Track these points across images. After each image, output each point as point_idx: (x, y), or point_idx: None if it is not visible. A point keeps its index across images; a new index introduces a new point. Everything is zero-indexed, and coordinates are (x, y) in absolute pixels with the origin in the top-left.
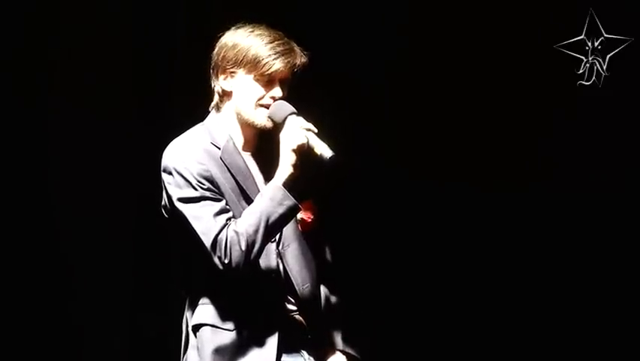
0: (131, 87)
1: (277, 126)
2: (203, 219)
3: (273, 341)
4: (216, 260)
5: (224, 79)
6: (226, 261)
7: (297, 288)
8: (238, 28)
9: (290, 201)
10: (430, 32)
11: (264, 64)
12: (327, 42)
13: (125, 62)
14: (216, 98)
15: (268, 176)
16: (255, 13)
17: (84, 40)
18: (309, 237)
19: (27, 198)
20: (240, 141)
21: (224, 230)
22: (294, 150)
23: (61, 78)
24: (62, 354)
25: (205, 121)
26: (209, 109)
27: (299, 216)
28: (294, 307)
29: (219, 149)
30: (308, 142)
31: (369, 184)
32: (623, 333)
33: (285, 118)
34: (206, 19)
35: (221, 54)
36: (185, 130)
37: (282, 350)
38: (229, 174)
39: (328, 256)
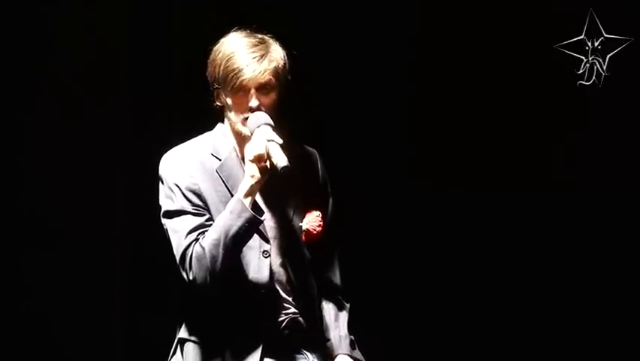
0: (127, 88)
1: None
2: (179, 234)
3: (256, 354)
4: (184, 276)
5: (215, 95)
6: (191, 277)
7: (293, 298)
8: (223, 38)
9: (247, 213)
10: (430, 32)
11: (231, 78)
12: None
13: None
14: (218, 110)
15: (277, 185)
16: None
17: (79, 40)
18: (315, 247)
19: (23, 198)
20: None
21: (192, 245)
22: (251, 161)
23: (55, 80)
24: (58, 356)
25: (213, 131)
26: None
27: (304, 226)
28: (294, 313)
29: (220, 160)
30: (268, 152)
31: (371, 188)
32: (625, 336)
33: (255, 129)
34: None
35: (207, 71)
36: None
37: (267, 357)
38: (224, 188)
39: (332, 263)
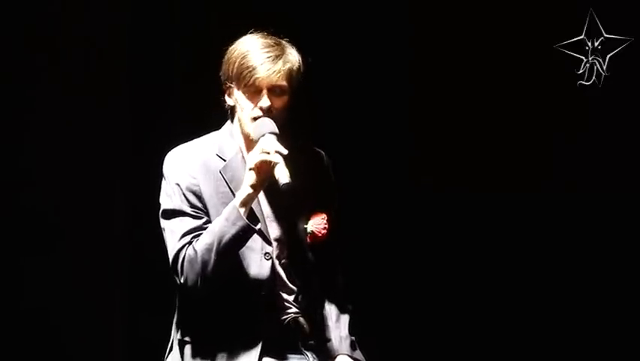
0: (127, 88)
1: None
2: (174, 235)
3: (255, 354)
4: (175, 277)
5: (227, 94)
6: (182, 279)
7: (294, 298)
8: (240, 39)
9: (242, 222)
10: (430, 32)
11: (244, 76)
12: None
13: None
14: (229, 110)
15: (278, 189)
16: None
17: (80, 39)
18: (319, 248)
19: (23, 197)
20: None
21: (185, 248)
22: (252, 170)
23: (55, 80)
24: (58, 356)
25: (220, 130)
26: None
27: (309, 229)
28: (296, 313)
29: (225, 161)
30: (271, 164)
31: (371, 188)
32: (625, 336)
33: (259, 137)
34: (205, 20)
35: (221, 70)
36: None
37: (266, 357)
38: (227, 189)
39: (335, 264)
